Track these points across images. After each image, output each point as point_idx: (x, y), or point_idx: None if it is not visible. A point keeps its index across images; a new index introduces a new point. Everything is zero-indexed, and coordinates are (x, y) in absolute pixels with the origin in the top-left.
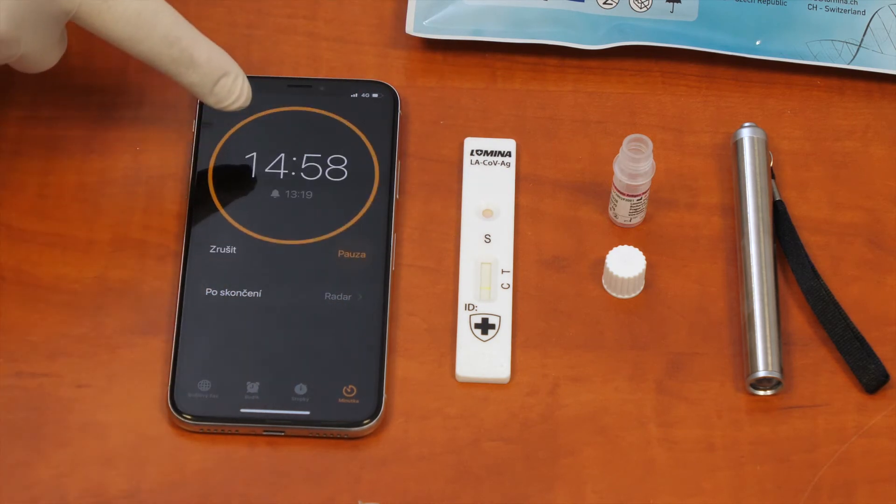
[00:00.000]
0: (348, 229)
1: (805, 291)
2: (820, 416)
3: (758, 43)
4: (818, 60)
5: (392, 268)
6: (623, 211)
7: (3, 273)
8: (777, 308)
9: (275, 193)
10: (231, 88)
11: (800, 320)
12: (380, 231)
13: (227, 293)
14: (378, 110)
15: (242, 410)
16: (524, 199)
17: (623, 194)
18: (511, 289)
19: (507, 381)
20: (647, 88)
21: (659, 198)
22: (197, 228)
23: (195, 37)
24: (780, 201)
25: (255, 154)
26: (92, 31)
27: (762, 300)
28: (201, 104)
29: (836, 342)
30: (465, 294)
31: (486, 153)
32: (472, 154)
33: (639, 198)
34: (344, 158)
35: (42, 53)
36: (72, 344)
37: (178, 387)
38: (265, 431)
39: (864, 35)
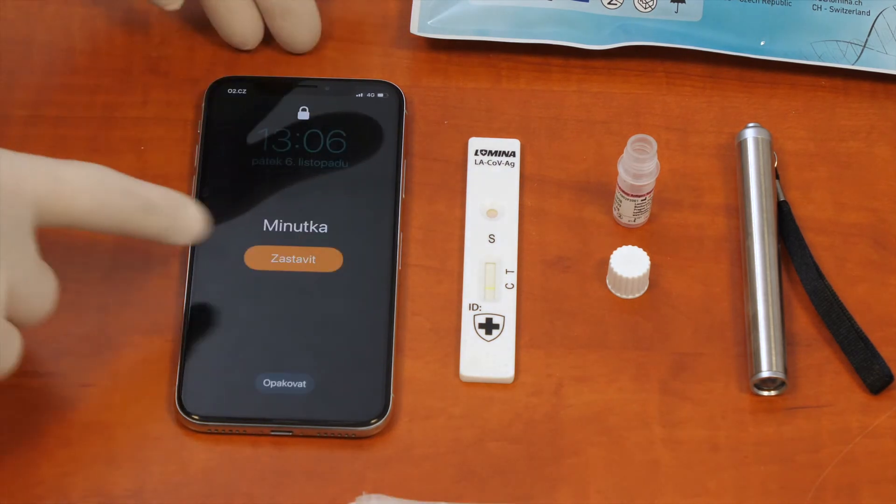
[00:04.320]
0: (354, 229)
1: (809, 292)
2: (824, 417)
3: (762, 43)
4: (823, 61)
5: (399, 267)
6: (627, 211)
7: None
8: (781, 308)
9: (280, 193)
10: (193, 216)
11: (804, 321)
12: (386, 231)
13: (233, 293)
14: (383, 110)
15: (250, 410)
16: (528, 199)
17: (627, 194)
18: (515, 289)
19: (511, 381)
20: (651, 89)
21: (663, 198)
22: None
23: (140, 182)
24: (785, 202)
25: (260, 154)
26: (59, 221)
27: (766, 300)
28: (207, 103)
29: (840, 343)
30: (470, 294)
31: (491, 153)
32: (476, 154)
33: (643, 198)
34: (350, 158)
35: (29, 282)
36: (76, 343)
37: (186, 387)
38: (272, 431)
39: (868, 35)
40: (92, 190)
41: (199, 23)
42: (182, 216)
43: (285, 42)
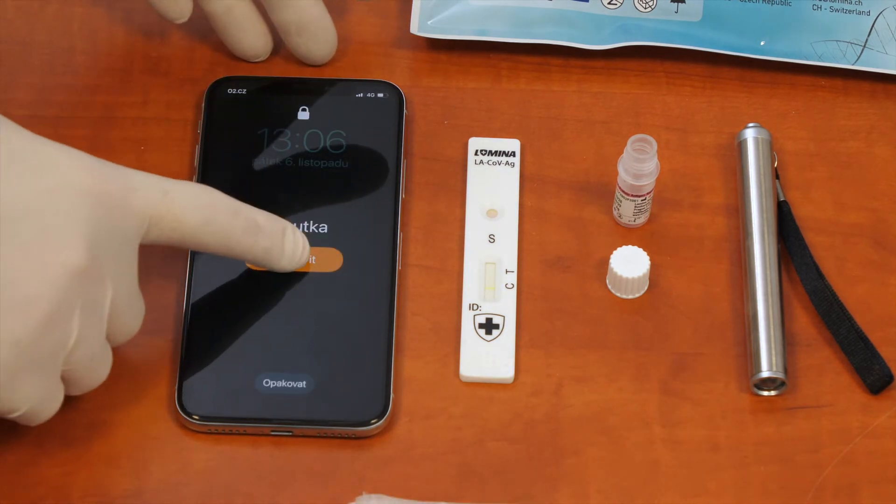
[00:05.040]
0: (355, 229)
1: (809, 292)
2: (824, 417)
3: (762, 43)
4: (822, 61)
5: (399, 267)
6: (627, 211)
7: None
8: (781, 308)
9: (280, 194)
10: (295, 241)
11: (804, 321)
12: (386, 231)
13: (233, 293)
14: (383, 110)
15: (250, 410)
16: (528, 199)
17: (627, 194)
18: (515, 289)
19: (511, 381)
20: (651, 89)
21: (663, 198)
22: None
23: (245, 204)
24: (785, 202)
25: (260, 154)
26: (166, 237)
27: (766, 300)
28: (207, 103)
29: (840, 343)
30: (470, 294)
31: (491, 153)
32: (476, 154)
33: (643, 198)
34: (350, 158)
35: (129, 296)
36: None
37: (186, 387)
38: (272, 431)
39: (868, 36)
40: (201, 207)
41: (199, 23)
42: (285, 239)
43: (303, 57)
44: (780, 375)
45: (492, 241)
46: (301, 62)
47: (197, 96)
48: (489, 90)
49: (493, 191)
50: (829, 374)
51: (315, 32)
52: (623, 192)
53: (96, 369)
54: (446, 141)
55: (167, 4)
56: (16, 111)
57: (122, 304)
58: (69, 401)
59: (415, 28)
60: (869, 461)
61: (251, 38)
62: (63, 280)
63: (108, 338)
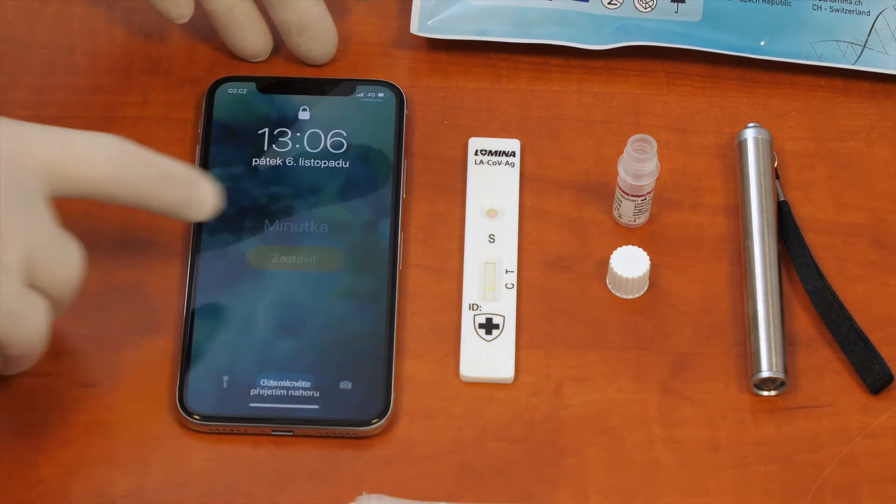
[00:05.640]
0: (355, 229)
1: (809, 292)
2: (824, 417)
3: (762, 43)
4: (823, 61)
5: (399, 267)
6: (627, 211)
7: None
8: (781, 308)
9: (280, 193)
10: (206, 191)
11: (804, 321)
12: (386, 231)
13: (234, 293)
14: (383, 110)
15: (251, 410)
16: (528, 199)
17: (627, 194)
18: (515, 289)
19: (512, 381)
20: (651, 89)
21: (663, 198)
22: (203, 227)
23: (156, 153)
24: (785, 202)
25: (260, 154)
26: (74, 189)
27: (766, 300)
28: (207, 103)
29: (840, 343)
30: (470, 294)
31: (491, 153)
32: (476, 154)
33: (643, 198)
34: (350, 158)
35: (50, 246)
36: (77, 343)
37: (187, 387)
38: (273, 431)
39: (868, 36)
40: (108, 157)
41: (199, 23)
42: (197, 189)
43: (303, 56)
44: (780, 375)
45: (492, 241)
46: (301, 62)
47: (197, 96)
48: (489, 90)
49: (493, 191)
50: (829, 374)
51: (315, 32)
52: (623, 192)
53: (20, 325)
54: (446, 141)
55: (168, 4)
56: (16, 111)
57: (42, 255)
58: (69, 400)
59: (415, 28)
60: (869, 461)
61: (252, 37)
62: None
63: (44, 291)
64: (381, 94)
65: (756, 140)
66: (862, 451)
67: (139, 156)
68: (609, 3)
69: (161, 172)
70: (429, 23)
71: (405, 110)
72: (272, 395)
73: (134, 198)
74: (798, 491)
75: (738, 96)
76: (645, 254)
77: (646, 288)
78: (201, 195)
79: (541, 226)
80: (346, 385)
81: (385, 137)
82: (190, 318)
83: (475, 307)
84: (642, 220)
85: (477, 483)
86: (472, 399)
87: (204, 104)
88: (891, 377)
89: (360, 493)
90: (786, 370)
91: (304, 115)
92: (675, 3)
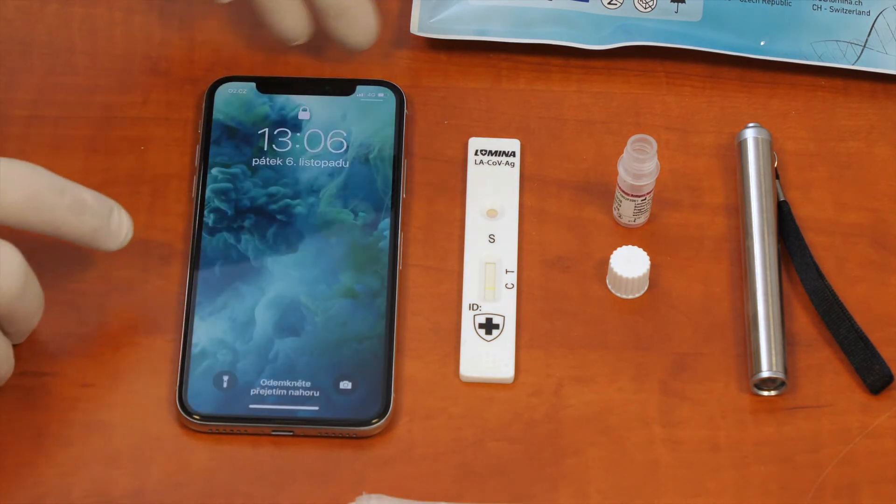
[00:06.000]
0: (355, 230)
1: (809, 292)
2: (824, 417)
3: (762, 43)
4: (823, 61)
5: (399, 267)
6: (627, 211)
7: None
8: (781, 308)
9: (280, 193)
10: (120, 221)
11: (804, 321)
12: (387, 231)
13: (234, 293)
14: (384, 110)
15: (251, 411)
16: (528, 199)
17: (627, 194)
18: (515, 289)
19: (511, 381)
20: (651, 89)
21: (663, 198)
22: (203, 227)
23: (70, 182)
24: (785, 202)
25: (260, 154)
26: None
27: (766, 300)
28: (207, 103)
29: (840, 343)
30: (470, 294)
31: (491, 153)
32: (476, 154)
33: (643, 198)
34: (350, 158)
35: None
36: (76, 343)
37: (187, 387)
38: (273, 431)
39: (868, 36)
40: (21, 185)
41: (200, 23)
42: (111, 219)
43: (340, 41)
44: (780, 375)
45: (492, 241)
46: (342, 49)
47: (197, 96)
48: (489, 90)
49: (493, 191)
50: (829, 374)
51: (355, 17)
52: (623, 192)
53: None
54: (446, 141)
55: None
56: (16, 111)
57: None
58: (69, 400)
59: (415, 28)
60: (869, 461)
61: (290, 19)
62: None
63: None
64: (381, 94)
65: (756, 140)
66: (862, 451)
67: (53, 183)
68: (609, 3)
69: (76, 202)
70: (429, 22)
71: (405, 110)
72: (272, 395)
73: (47, 225)
74: (798, 491)
75: (738, 96)
76: (645, 254)
77: (646, 288)
78: (115, 226)
79: (541, 226)
80: (346, 385)
81: (385, 137)
82: (190, 318)
83: (475, 307)
84: (642, 220)
85: (477, 483)
86: (472, 399)
87: (204, 104)
88: (891, 377)
89: (360, 493)
90: (786, 370)
91: (303, 115)
92: (675, 3)
